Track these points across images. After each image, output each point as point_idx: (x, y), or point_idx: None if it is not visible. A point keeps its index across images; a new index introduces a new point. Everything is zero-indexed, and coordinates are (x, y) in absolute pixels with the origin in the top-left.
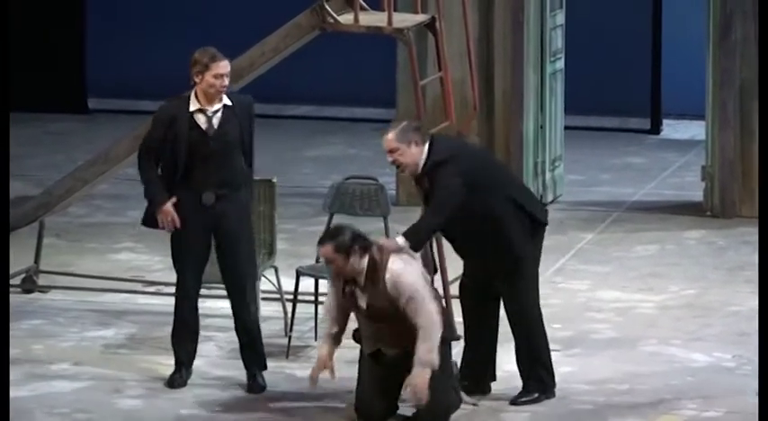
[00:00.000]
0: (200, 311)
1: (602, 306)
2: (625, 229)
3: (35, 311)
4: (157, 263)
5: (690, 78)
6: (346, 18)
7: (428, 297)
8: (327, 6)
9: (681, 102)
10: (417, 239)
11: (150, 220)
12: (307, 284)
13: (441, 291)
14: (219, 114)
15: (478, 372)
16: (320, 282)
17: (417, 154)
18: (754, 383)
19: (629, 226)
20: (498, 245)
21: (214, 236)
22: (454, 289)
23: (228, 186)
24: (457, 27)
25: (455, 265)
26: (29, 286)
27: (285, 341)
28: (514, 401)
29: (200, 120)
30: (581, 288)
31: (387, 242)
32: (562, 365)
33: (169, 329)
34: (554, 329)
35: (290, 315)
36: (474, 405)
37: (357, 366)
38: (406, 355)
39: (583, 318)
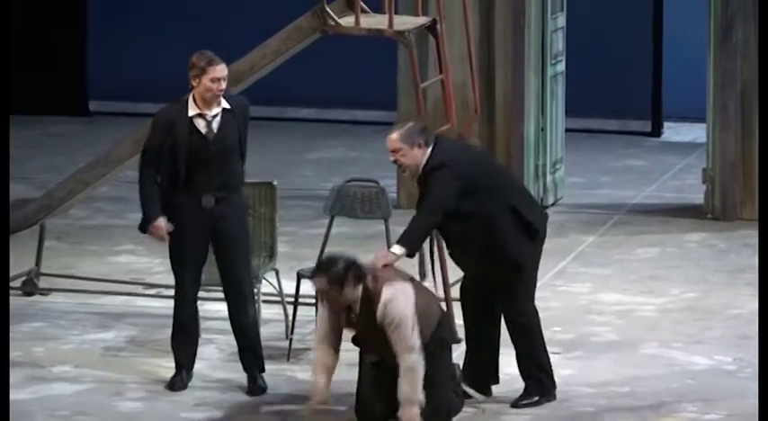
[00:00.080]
0: (201, 314)
1: (603, 309)
2: (626, 232)
3: (36, 314)
4: (158, 265)
5: (691, 81)
6: (347, 20)
7: (416, 329)
8: (328, 9)
9: (682, 104)
10: (412, 243)
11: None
12: (307, 287)
13: (441, 293)
14: (219, 118)
15: (480, 375)
16: None
17: (419, 156)
18: (754, 386)
19: (629, 228)
20: (497, 249)
21: (212, 238)
22: (455, 291)
23: (227, 189)
24: (458, 29)
25: (456, 268)
26: (29, 289)
27: (286, 344)
28: (515, 404)
29: (200, 124)
30: (582, 291)
31: (381, 254)
32: (563, 368)
33: (169, 332)
34: (555, 332)
35: (290, 318)
36: (481, 410)
37: (357, 369)
38: None
39: (584, 321)
